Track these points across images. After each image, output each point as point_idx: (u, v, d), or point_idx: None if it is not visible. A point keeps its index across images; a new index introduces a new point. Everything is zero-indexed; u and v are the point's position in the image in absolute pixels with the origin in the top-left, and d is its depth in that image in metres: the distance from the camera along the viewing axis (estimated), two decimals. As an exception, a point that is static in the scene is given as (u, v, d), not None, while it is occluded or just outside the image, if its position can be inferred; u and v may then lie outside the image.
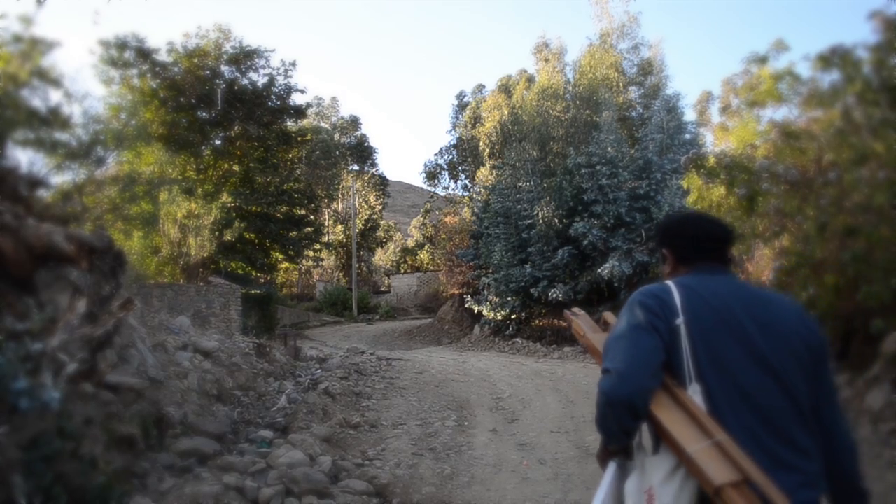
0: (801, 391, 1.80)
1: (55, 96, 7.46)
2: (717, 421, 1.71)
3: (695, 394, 1.77)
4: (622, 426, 1.81)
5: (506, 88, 34.31)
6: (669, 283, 1.94)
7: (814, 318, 1.99)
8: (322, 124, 47.47)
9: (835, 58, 8.66)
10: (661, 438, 1.79)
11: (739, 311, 1.84)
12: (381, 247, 51.51)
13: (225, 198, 24.23)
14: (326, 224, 45.58)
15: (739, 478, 1.60)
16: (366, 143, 49.27)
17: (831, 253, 8.31)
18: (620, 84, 25.04)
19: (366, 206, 48.09)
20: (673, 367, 1.81)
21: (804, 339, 1.86)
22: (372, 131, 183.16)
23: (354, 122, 49.75)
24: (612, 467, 1.95)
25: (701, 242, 2.04)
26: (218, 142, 27.89)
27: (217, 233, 19.90)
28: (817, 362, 1.87)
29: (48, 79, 7.11)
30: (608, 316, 2.30)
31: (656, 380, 1.79)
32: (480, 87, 41.47)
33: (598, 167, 19.43)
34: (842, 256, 7.98)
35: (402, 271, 47.57)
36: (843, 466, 1.94)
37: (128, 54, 24.18)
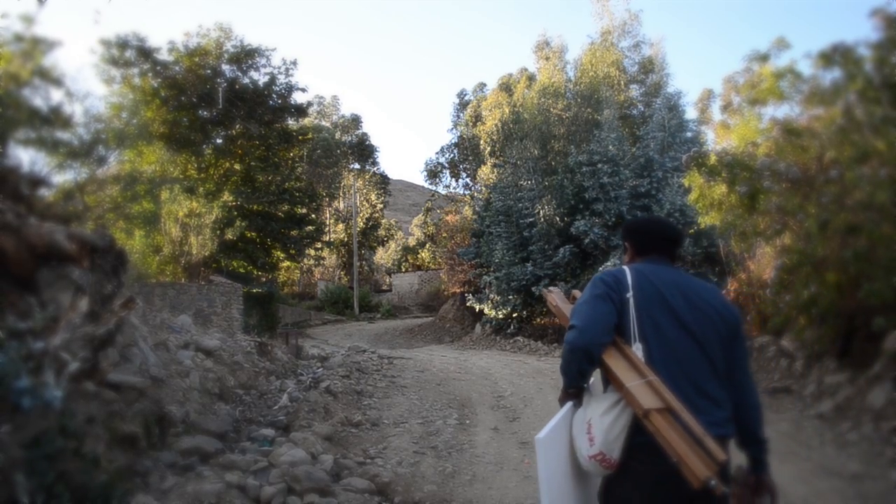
0: (718, 357, 2.35)
1: (56, 95, 7.46)
2: (653, 368, 2.25)
3: (637, 350, 2.31)
4: (580, 369, 2.37)
5: (507, 87, 34.33)
6: (625, 267, 2.52)
7: (731, 302, 2.56)
8: (323, 123, 47.50)
9: (836, 55, 8.65)
10: (609, 380, 2.32)
11: (675, 293, 2.41)
12: (383, 245, 51.52)
13: (226, 197, 24.20)
14: (328, 223, 45.58)
15: (663, 405, 2.14)
16: (367, 142, 49.27)
17: (833, 251, 8.31)
18: (621, 82, 25.02)
19: (367, 205, 48.09)
20: (622, 329, 2.36)
21: (723, 317, 2.40)
22: (373, 130, 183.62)
23: (355, 121, 49.77)
24: (568, 405, 2.48)
25: (655, 240, 2.63)
26: (219, 141, 27.89)
27: (218, 232, 19.89)
28: (732, 336, 2.41)
29: (49, 78, 7.10)
30: (576, 293, 2.79)
31: (609, 336, 2.34)
32: (481, 86, 41.48)
33: (599, 165, 19.41)
34: (843, 254, 7.97)
35: (404, 270, 47.55)
36: (747, 418, 2.42)
37: (129, 53, 24.20)
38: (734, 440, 2.41)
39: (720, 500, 2.06)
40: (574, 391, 2.49)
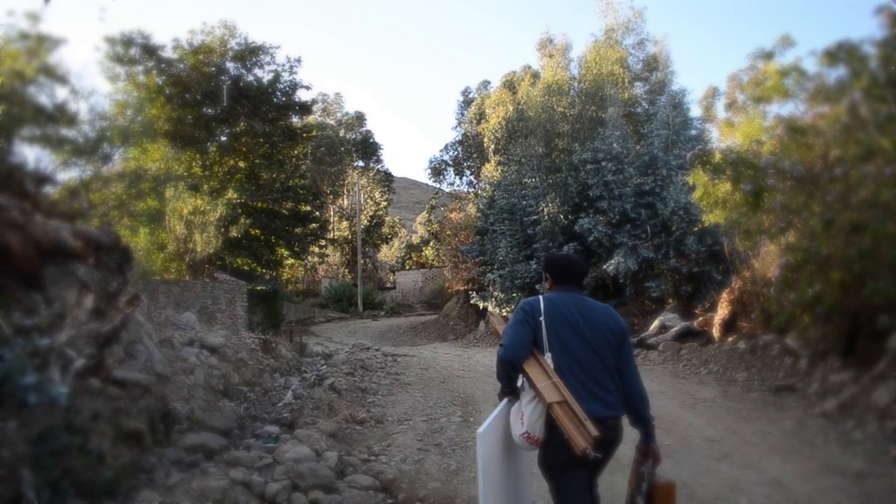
0: (609, 358, 3.28)
1: (61, 93, 7.45)
2: (559, 373, 3.19)
3: (548, 358, 3.25)
4: (508, 375, 3.33)
5: (510, 84, 34.21)
6: (540, 296, 3.45)
7: (618, 315, 3.50)
8: (327, 120, 47.48)
9: (841, 53, 8.62)
10: (529, 381, 3.23)
11: (575, 313, 3.34)
12: (387, 243, 51.50)
13: (230, 194, 24.26)
14: (332, 220, 45.60)
15: (561, 399, 3.08)
16: (371, 140, 49.24)
17: (837, 249, 8.29)
18: (626, 80, 24.92)
19: (371, 203, 48.09)
20: (538, 343, 3.30)
21: (612, 330, 3.35)
22: (377, 127, 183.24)
23: (359, 119, 49.73)
24: (504, 401, 3.44)
25: (566, 273, 3.58)
26: (223, 138, 27.92)
27: (223, 229, 19.91)
28: (619, 342, 3.35)
29: (54, 76, 7.11)
30: (509, 315, 3.71)
31: (527, 350, 3.28)
32: (485, 84, 41.39)
33: (603, 163, 19.40)
34: (848, 253, 7.96)
35: (408, 267, 47.56)
36: (633, 403, 3.31)
37: (133, 51, 24.24)
38: (628, 420, 3.33)
39: (595, 462, 3.10)
40: (508, 390, 3.42)
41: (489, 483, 3.23)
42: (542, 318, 3.32)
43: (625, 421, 3.32)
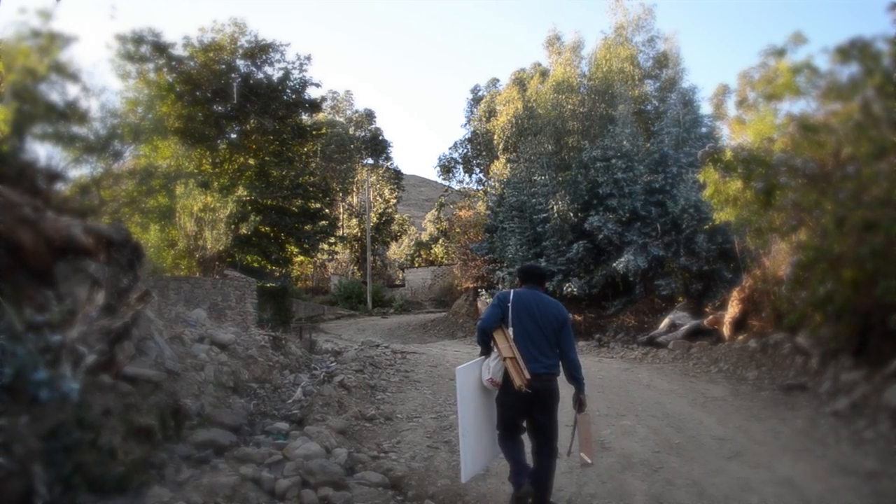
0: (551, 337, 4.92)
1: (73, 90, 7.48)
2: (515, 341, 4.85)
3: (510, 330, 4.90)
4: (483, 340, 5.04)
5: (520, 82, 34.12)
6: (511, 290, 5.17)
7: (563, 307, 5.14)
8: (337, 118, 47.56)
9: (854, 50, 8.57)
10: (494, 343, 4.92)
11: (532, 304, 4.98)
12: (396, 240, 51.54)
13: (240, 191, 24.28)
14: (341, 218, 45.67)
15: (513, 356, 4.78)
16: (380, 137, 49.32)
17: (849, 247, 8.24)
18: (636, 77, 24.81)
19: (380, 200, 48.14)
20: (505, 320, 4.95)
21: (555, 317, 4.97)
22: (386, 125, 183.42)
23: (369, 116, 49.81)
24: (479, 358, 5.07)
25: (528, 277, 5.29)
26: (233, 135, 27.94)
27: (233, 226, 19.93)
28: (560, 326, 4.96)
29: (66, 73, 7.14)
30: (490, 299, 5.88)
31: (496, 324, 4.96)
32: (494, 81, 41.37)
33: (613, 161, 19.35)
34: (860, 251, 7.91)
35: (417, 265, 47.55)
36: (567, 367, 4.95)
37: (144, 49, 24.29)
38: (565, 378, 4.93)
39: (532, 401, 4.75)
40: (484, 350, 5.06)
41: (465, 407, 4.94)
42: (509, 305, 4.97)
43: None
